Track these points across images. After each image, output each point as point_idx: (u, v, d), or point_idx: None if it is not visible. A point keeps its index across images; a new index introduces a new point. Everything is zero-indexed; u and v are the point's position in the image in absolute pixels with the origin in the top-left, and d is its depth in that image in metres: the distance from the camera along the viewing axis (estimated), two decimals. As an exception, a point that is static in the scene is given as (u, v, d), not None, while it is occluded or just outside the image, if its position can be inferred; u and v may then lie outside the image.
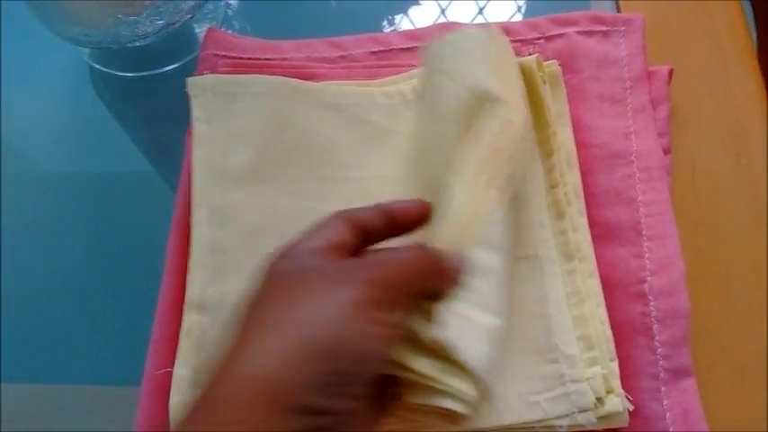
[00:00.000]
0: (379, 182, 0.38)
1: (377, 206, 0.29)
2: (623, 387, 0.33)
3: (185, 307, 0.35)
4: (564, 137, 0.38)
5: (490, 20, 0.48)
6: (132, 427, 0.33)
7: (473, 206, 0.30)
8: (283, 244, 0.27)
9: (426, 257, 0.28)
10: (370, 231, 0.28)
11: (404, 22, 0.49)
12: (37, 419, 0.37)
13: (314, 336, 0.23)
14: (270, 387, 0.22)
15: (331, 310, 0.24)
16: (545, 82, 0.38)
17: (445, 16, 0.49)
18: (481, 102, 0.33)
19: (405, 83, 0.41)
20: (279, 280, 0.26)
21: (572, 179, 0.37)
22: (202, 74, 0.42)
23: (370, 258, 0.27)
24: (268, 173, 0.38)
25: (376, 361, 0.25)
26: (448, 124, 0.34)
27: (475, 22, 0.48)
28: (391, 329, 0.25)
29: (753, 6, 0.69)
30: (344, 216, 0.28)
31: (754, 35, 0.68)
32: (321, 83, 0.41)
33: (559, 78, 0.39)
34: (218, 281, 0.35)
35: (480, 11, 0.49)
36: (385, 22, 0.49)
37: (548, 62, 0.39)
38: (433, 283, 0.28)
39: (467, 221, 0.30)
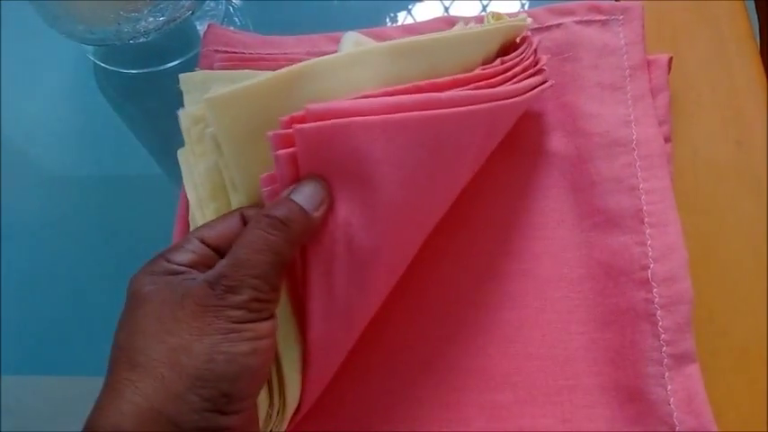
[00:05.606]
0: None
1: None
2: (629, 372, 0.33)
3: None
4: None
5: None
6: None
7: None
8: (151, 261, 0.28)
9: (270, 231, 0.28)
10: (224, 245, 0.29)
11: (407, 20, 0.49)
12: (37, 411, 0.37)
13: (189, 369, 0.24)
14: (158, 416, 0.24)
15: (198, 342, 0.25)
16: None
17: (448, 13, 0.49)
18: None
19: None
20: (144, 304, 0.27)
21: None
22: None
23: (222, 271, 0.27)
24: None
25: (252, 375, 0.26)
26: None
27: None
28: (259, 342, 0.26)
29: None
30: (198, 236, 0.29)
31: (756, 22, 0.68)
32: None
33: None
34: None
35: (484, 8, 0.49)
36: (387, 20, 0.49)
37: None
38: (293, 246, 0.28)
39: None
